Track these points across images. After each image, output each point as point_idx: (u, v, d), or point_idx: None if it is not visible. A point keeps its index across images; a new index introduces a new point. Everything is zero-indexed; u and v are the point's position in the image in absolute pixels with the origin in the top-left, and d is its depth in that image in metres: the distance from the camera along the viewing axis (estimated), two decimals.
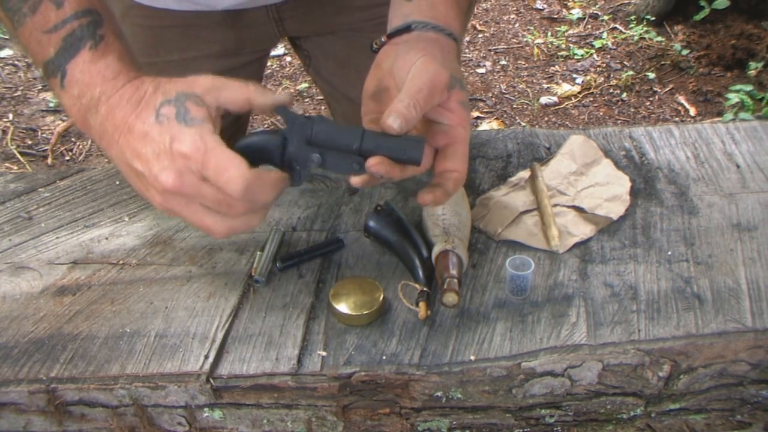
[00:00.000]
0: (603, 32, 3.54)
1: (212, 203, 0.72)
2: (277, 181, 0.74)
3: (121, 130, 0.72)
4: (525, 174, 1.04)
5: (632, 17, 3.59)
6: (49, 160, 2.78)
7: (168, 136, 0.70)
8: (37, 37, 0.76)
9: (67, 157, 2.83)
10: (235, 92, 0.74)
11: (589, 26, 3.62)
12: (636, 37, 3.45)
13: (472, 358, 0.79)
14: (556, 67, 3.32)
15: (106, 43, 0.75)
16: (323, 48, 1.29)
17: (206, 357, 0.81)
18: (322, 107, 3.12)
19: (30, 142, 2.90)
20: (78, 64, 0.74)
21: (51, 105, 3.09)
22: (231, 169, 0.69)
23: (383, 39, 0.84)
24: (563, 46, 3.44)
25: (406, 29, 0.82)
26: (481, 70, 3.33)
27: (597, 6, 3.78)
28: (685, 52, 3.27)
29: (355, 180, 0.76)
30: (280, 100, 0.75)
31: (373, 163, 0.73)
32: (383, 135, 0.74)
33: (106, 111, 0.73)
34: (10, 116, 3.02)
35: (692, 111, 2.96)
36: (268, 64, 3.37)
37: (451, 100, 0.77)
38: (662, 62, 3.26)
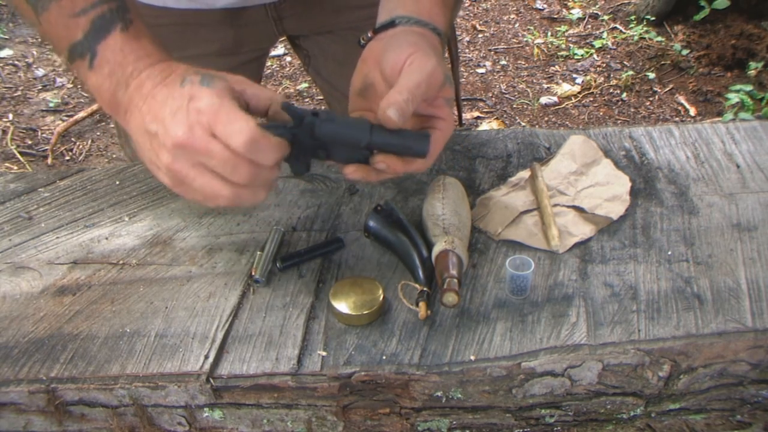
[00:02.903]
0: (603, 32, 3.54)
1: (218, 163, 0.73)
2: (279, 144, 0.75)
3: (146, 97, 0.76)
4: (525, 174, 1.04)
5: (632, 17, 3.59)
6: (49, 160, 2.78)
7: (188, 95, 0.73)
8: (63, 21, 0.78)
9: (67, 157, 2.83)
10: (260, 90, 0.79)
11: (589, 26, 3.62)
12: (636, 37, 3.45)
13: (472, 358, 0.79)
14: (556, 67, 3.31)
15: (137, 28, 0.79)
16: (322, 47, 1.29)
17: (206, 357, 0.81)
18: (322, 107, 3.11)
19: (30, 142, 2.90)
20: (109, 45, 0.77)
21: (51, 105, 3.09)
22: (239, 121, 0.72)
23: (369, 34, 0.86)
24: (563, 46, 3.44)
25: (391, 24, 0.84)
26: (481, 70, 3.33)
27: (597, 6, 3.78)
28: (685, 52, 3.27)
29: (353, 173, 0.79)
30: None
31: (380, 159, 0.77)
32: (389, 129, 0.75)
33: (137, 84, 0.77)
34: (10, 116, 3.02)
35: (692, 111, 2.96)
36: (268, 64, 3.37)
37: (437, 96, 0.79)
38: (662, 62, 3.26)
